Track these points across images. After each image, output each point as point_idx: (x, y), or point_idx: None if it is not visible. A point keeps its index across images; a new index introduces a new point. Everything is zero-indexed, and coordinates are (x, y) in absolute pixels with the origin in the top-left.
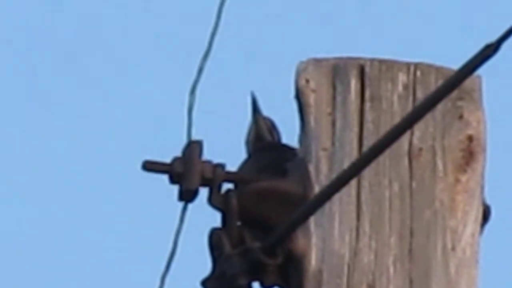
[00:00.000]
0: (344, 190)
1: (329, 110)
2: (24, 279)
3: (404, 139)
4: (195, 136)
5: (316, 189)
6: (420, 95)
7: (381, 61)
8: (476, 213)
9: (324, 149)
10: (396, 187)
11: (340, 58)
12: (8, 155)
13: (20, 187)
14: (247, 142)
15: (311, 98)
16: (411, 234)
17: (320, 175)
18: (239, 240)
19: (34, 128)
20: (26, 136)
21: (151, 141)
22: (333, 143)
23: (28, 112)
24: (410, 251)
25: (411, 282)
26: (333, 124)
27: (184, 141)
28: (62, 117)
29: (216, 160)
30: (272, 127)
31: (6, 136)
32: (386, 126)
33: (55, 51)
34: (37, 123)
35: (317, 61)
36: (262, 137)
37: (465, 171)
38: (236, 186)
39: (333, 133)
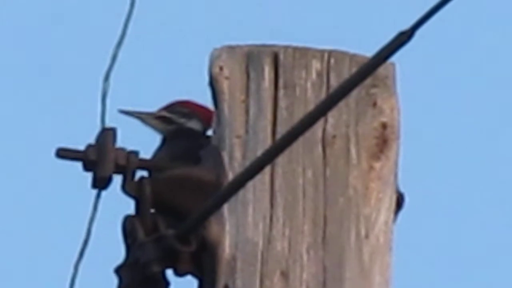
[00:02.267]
0: (258, 177)
1: (242, 97)
2: None
3: (318, 127)
4: (108, 124)
5: (230, 176)
6: (334, 83)
7: (295, 49)
8: (389, 201)
9: (238, 137)
10: (309, 174)
11: (254, 46)
12: None
13: None
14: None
15: (224, 85)
16: (325, 221)
17: (234, 163)
18: (153, 228)
19: None
20: None
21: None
22: (246, 131)
23: None
24: (324, 238)
25: (324, 269)
26: (247, 111)
27: (97, 128)
28: None
29: (129, 147)
30: (170, 112)
31: None
32: (299, 114)
33: None
34: None
35: (231, 48)
36: (160, 130)
37: (379, 158)
38: (150, 173)
39: (247, 121)
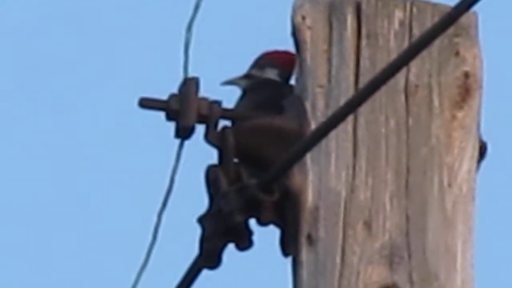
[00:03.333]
0: (341, 127)
1: (325, 47)
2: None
3: (400, 76)
4: (191, 73)
5: (313, 126)
6: (416, 32)
7: None
8: (472, 150)
9: (321, 86)
10: (392, 123)
11: None
12: None
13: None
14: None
15: (307, 35)
16: (408, 170)
17: (317, 112)
18: (236, 177)
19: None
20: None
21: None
22: (329, 80)
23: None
24: (407, 187)
25: (407, 218)
26: (329, 61)
27: (180, 78)
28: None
29: (212, 97)
30: (260, 68)
31: None
32: (382, 63)
33: None
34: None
35: None
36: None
37: (461, 107)
38: (232, 123)
39: (329, 70)
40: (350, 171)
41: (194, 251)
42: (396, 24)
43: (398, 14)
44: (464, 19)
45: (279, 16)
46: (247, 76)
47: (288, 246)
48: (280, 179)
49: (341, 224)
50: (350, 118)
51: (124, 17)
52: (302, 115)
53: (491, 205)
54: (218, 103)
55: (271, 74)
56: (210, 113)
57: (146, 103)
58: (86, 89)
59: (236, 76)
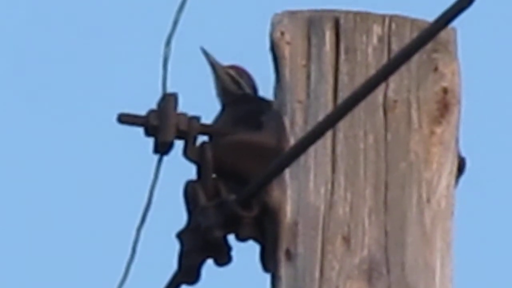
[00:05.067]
0: (319, 142)
1: (304, 62)
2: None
3: (379, 91)
4: (170, 89)
5: (291, 141)
6: (395, 47)
7: (356, 14)
8: (451, 165)
9: (299, 101)
10: (371, 139)
11: (315, 11)
12: None
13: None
14: (218, 96)
15: (286, 51)
16: (386, 186)
17: (295, 127)
18: (215, 193)
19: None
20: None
21: (127, 93)
22: (308, 95)
23: None
24: (385, 203)
25: (386, 233)
26: (308, 76)
27: (159, 93)
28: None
29: (191, 112)
30: (238, 75)
31: None
32: (361, 78)
33: None
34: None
35: (292, 14)
36: (227, 89)
37: (440, 123)
38: (211, 138)
39: (308, 85)
40: (329, 187)
41: (173, 266)
42: (374, 40)
43: (377, 30)
44: (442, 34)
45: (258, 31)
46: (230, 75)
47: (269, 261)
48: (259, 195)
49: (320, 239)
50: (329, 134)
51: (103, 32)
52: (280, 130)
53: (470, 220)
54: (197, 118)
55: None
56: (189, 128)
57: (125, 119)
58: (64, 105)
59: (217, 61)
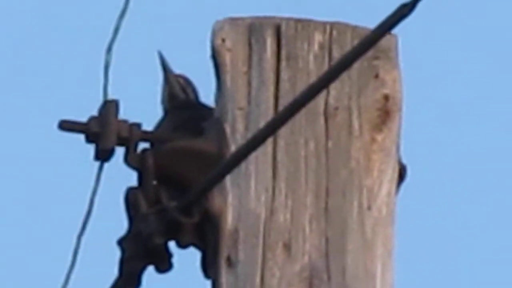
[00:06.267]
0: (260, 149)
1: (245, 69)
2: None
3: (320, 98)
4: (111, 96)
5: (232, 148)
6: (336, 54)
7: (297, 21)
8: (392, 172)
9: (240, 108)
10: (312, 146)
11: (256, 18)
12: None
13: None
14: (162, 101)
15: (227, 57)
16: (327, 193)
17: (236, 134)
18: (156, 199)
19: None
20: None
21: (67, 100)
22: (249, 102)
23: None
24: (326, 210)
25: (327, 240)
26: (249, 83)
27: (100, 100)
28: None
29: (132, 119)
30: (186, 84)
31: None
32: (302, 85)
33: None
34: None
35: (233, 20)
36: (175, 95)
37: (381, 130)
38: (152, 145)
39: (249, 92)
40: (270, 193)
41: (114, 273)
42: (316, 47)
43: (318, 37)
44: (383, 41)
45: (199, 38)
46: (178, 82)
47: (210, 268)
48: (200, 202)
49: (260, 246)
50: (270, 141)
51: (44, 37)
52: (221, 137)
53: (411, 227)
54: (137, 125)
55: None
56: (130, 135)
57: (66, 126)
58: (4, 110)
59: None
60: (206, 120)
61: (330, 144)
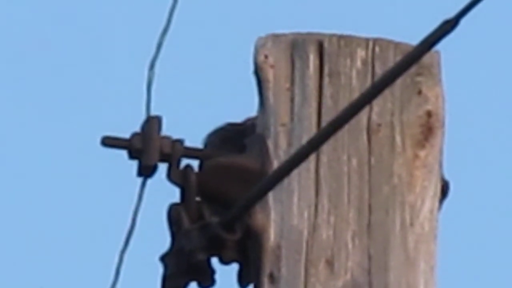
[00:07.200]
0: (303, 165)
1: (287, 85)
2: None
3: (363, 115)
4: (154, 112)
5: (275, 164)
6: (379, 71)
7: (340, 37)
8: (434, 189)
9: (283, 125)
10: (354, 162)
11: (299, 34)
12: None
13: None
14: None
15: (269, 74)
16: (370, 209)
17: (279, 151)
18: (198, 216)
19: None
20: None
21: (110, 116)
22: (291, 119)
23: None
24: (369, 226)
25: (369, 257)
26: (292, 99)
27: (143, 116)
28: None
29: (175, 135)
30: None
31: None
32: (344, 102)
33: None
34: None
35: (275, 37)
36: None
37: (423, 146)
38: (197, 161)
39: (292, 109)
40: (312, 210)
41: None
42: (358, 63)
43: (361, 53)
44: (426, 58)
45: (241, 54)
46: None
47: (244, 279)
48: (242, 218)
49: (303, 262)
50: (313, 157)
51: (88, 55)
52: (264, 153)
53: (453, 244)
54: (180, 141)
55: None
56: (172, 151)
57: (108, 142)
58: (48, 127)
59: None
60: (248, 137)
61: (372, 160)
